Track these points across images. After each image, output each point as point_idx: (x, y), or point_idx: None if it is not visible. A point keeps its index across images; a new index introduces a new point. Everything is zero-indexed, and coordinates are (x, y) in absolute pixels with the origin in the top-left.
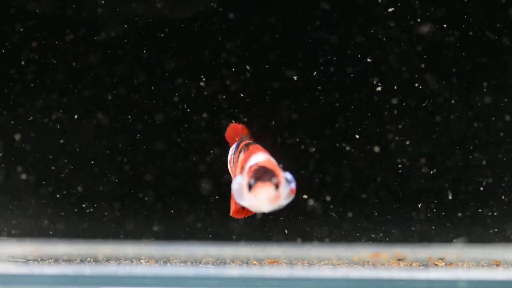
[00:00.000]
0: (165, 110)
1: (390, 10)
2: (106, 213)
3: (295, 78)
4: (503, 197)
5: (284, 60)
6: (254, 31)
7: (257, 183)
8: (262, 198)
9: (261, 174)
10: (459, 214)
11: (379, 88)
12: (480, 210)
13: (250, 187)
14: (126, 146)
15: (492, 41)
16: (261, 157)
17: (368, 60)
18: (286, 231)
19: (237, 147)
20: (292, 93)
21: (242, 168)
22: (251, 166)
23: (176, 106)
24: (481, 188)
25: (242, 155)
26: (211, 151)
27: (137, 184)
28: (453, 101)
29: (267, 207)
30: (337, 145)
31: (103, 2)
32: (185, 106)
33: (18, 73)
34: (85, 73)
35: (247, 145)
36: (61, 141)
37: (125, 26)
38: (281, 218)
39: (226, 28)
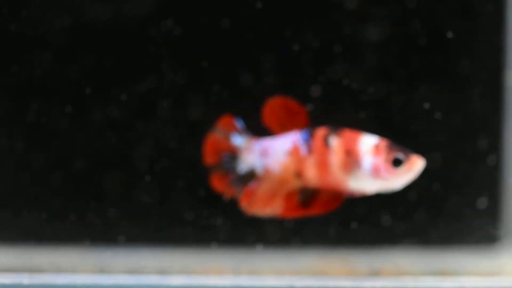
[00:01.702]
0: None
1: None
2: (46, 219)
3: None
4: (454, 203)
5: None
6: None
7: (411, 156)
8: (417, 169)
9: (402, 149)
10: (410, 221)
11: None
12: (431, 217)
13: (397, 162)
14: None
15: (440, 41)
16: (373, 137)
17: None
18: (231, 238)
19: (309, 136)
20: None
21: (349, 151)
22: (377, 145)
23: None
24: (433, 194)
25: (336, 141)
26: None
27: (76, 188)
28: (402, 101)
29: (409, 180)
30: None
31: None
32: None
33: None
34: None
35: (334, 131)
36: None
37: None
38: (226, 224)
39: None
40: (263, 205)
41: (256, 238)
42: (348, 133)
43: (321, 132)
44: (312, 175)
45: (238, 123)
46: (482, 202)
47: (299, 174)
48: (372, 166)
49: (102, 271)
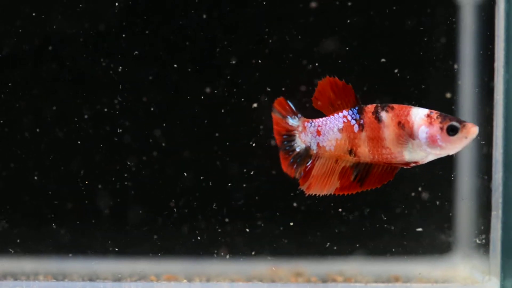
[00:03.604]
0: None
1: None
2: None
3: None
4: (401, 211)
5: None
6: None
7: (467, 124)
8: (473, 136)
9: (454, 118)
10: (358, 228)
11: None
12: (379, 224)
13: (453, 130)
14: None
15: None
16: (422, 109)
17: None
18: (184, 245)
19: (357, 113)
20: None
21: (402, 123)
22: (429, 115)
23: None
24: (380, 202)
25: (387, 115)
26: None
27: (29, 196)
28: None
29: (463, 147)
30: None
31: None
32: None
33: None
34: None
35: (384, 107)
36: None
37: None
38: (179, 232)
39: None
40: (320, 184)
41: (209, 247)
42: (397, 107)
43: (370, 108)
44: (365, 150)
45: (291, 105)
46: (435, 210)
47: (352, 151)
48: (428, 135)
49: (58, 278)
